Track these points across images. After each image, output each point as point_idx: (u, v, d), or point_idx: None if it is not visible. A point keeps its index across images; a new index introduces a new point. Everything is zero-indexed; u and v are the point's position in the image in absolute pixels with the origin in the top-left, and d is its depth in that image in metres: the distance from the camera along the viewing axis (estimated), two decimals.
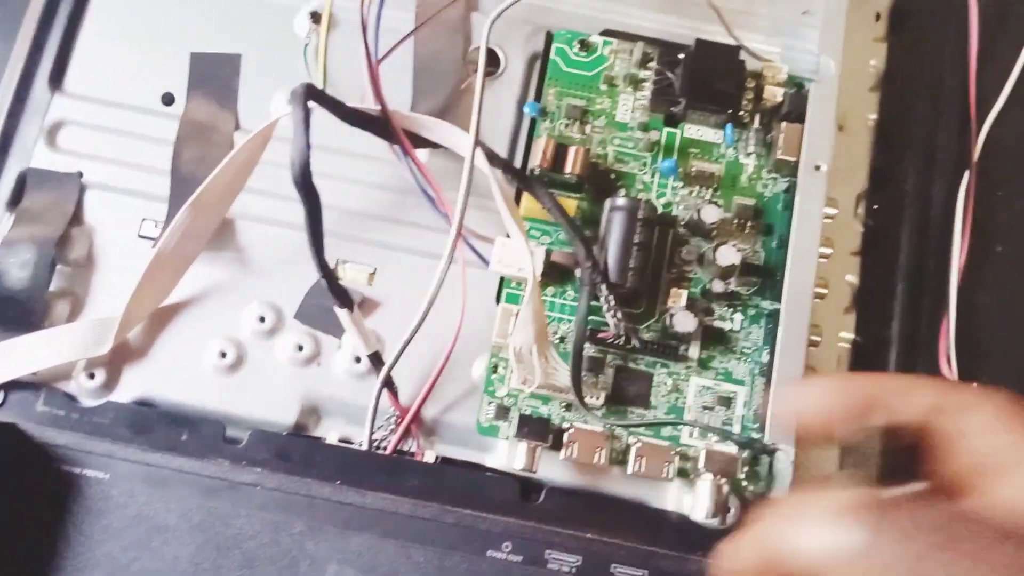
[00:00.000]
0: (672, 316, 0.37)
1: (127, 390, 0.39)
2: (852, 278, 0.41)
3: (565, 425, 0.37)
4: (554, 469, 0.37)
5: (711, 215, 0.38)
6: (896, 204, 0.41)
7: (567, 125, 0.41)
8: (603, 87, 0.41)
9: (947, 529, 0.22)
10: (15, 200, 0.41)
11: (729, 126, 0.40)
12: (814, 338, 0.39)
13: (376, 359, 0.38)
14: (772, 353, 0.37)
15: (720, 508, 0.36)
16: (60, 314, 0.39)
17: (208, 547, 0.36)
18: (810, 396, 0.26)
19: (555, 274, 0.39)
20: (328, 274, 0.34)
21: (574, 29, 0.42)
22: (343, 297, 0.36)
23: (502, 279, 0.39)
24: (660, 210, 0.40)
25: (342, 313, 0.36)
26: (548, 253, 0.38)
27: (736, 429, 0.37)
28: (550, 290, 0.39)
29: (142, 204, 0.41)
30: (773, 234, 0.40)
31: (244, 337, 0.40)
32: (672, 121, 0.41)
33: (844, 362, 0.40)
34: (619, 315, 0.37)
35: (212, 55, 0.43)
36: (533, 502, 0.37)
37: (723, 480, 0.36)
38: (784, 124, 0.40)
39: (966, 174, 0.42)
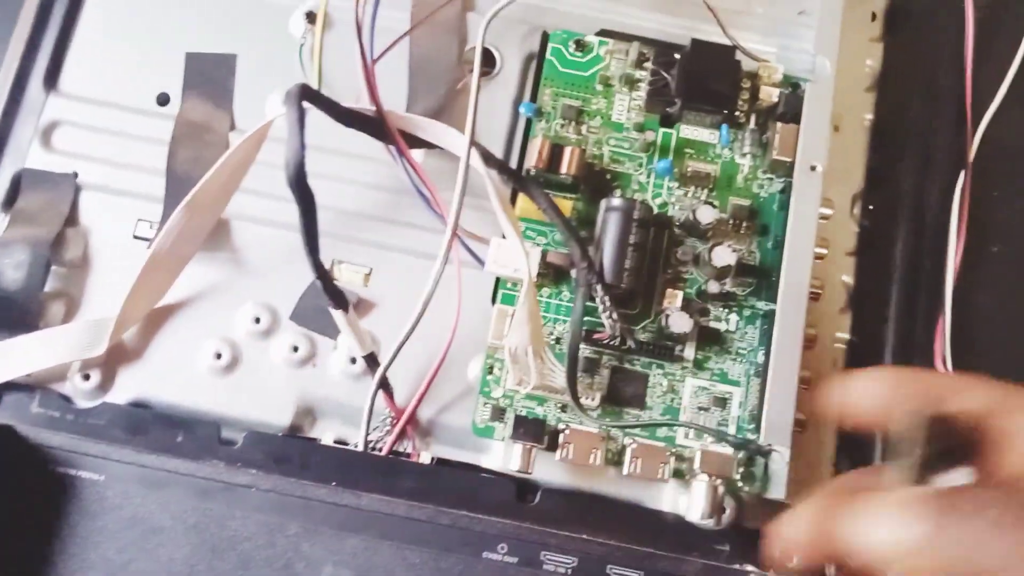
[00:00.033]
0: (668, 317, 0.37)
1: (122, 391, 0.39)
2: (848, 278, 0.41)
3: (561, 426, 0.37)
4: (550, 470, 0.37)
5: (707, 216, 0.38)
6: (892, 204, 0.41)
7: (563, 125, 0.41)
8: (599, 87, 0.41)
9: (1005, 503, 0.22)
10: (10, 201, 0.41)
11: (725, 126, 0.40)
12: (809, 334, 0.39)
13: (371, 360, 0.38)
14: (768, 354, 0.37)
15: (716, 509, 0.36)
16: (55, 315, 0.39)
17: (203, 549, 0.36)
18: (863, 386, 0.27)
19: (551, 275, 0.39)
20: (323, 275, 0.34)
21: (570, 29, 0.42)
22: (338, 298, 0.36)
23: (498, 280, 0.39)
24: (656, 211, 0.40)
25: (337, 314, 0.36)
26: (544, 254, 0.38)
27: (732, 430, 0.37)
28: (546, 291, 0.39)
29: (137, 205, 0.41)
30: (769, 234, 0.40)
31: (239, 338, 0.39)
32: (668, 121, 0.41)
33: (840, 363, 0.40)
34: (615, 316, 0.37)
35: (207, 55, 0.43)
36: (529, 503, 0.37)
37: (719, 481, 0.36)
38: (780, 124, 0.40)
39: (962, 174, 0.42)
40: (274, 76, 0.43)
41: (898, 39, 0.44)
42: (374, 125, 0.39)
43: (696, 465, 0.36)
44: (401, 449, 0.38)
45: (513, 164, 0.41)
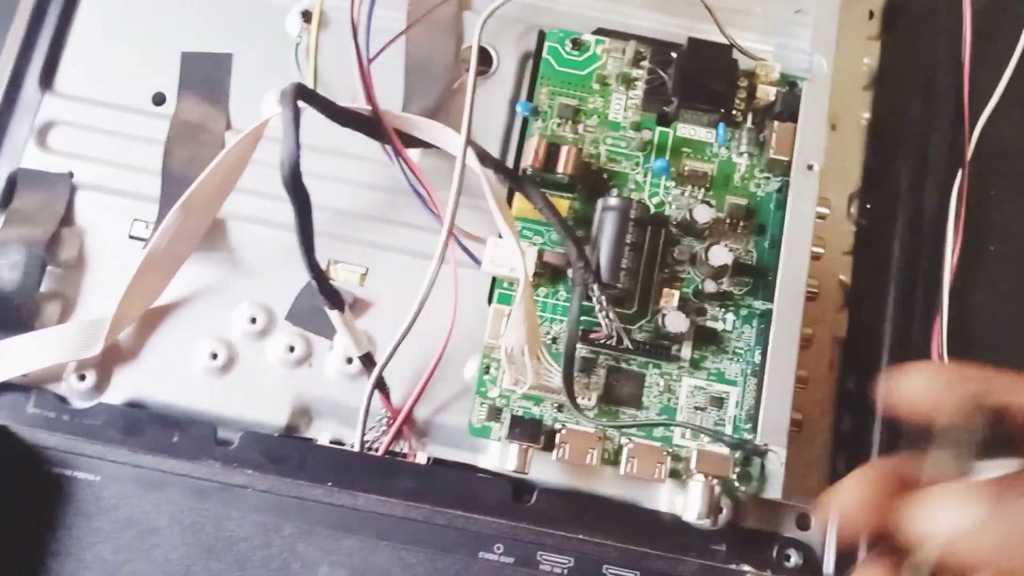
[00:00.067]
0: (664, 316, 0.37)
1: (118, 392, 0.39)
2: (845, 278, 0.41)
3: (557, 426, 0.37)
4: (546, 470, 0.37)
5: (703, 215, 0.38)
6: (889, 203, 0.41)
7: (559, 124, 0.41)
8: (595, 86, 0.41)
9: None
10: (5, 201, 0.41)
11: (721, 125, 0.40)
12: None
13: (368, 360, 0.38)
14: (764, 353, 0.37)
15: (712, 509, 0.36)
16: (51, 315, 0.39)
17: (200, 549, 0.36)
18: (920, 377, 0.27)
19: (547, 274, 0.39)
20: (319, 275, 0.34)
21: (566, 28, 0.42)
22: (334, 298, 0.36)
23: (494, 279, 0.39)
24: (652, 210, 0.39)
25: (333, 314, 0.36)
26: (540, 253, 0.38)
27: (728, 429, 0.37)
28: (542, 290, 0.39)
29: (133, 204, 0.41)
30: (765, 234, 0.39)
31: (235, 338, 0.39)
32: (664, 120, 0.41)
33: (836, 362, 0.40)
34: (611, 315, 0.37)
35: (203, 55, 0.43)
36: (525, 503, 0.37)
37: (715, 481, 0.36)
38: (777, 123, 0.39)
39: (960, 173, 0.41)
40: (270, 75, 0.42)
41: (895, 37, 0.44)
42: (370, 124, 0.39)
43: (692, 465, 0.36)
44: (397, 449, 0.38)
45: (510, 163, 0.41)
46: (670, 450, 0.37)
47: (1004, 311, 0.41)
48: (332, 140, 0.40)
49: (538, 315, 0.38)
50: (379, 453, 0.38)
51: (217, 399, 0.39)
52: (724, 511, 0.37)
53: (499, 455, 0.37)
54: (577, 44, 0.42)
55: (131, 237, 0.41)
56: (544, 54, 0.42)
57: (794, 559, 0.37)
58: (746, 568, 0.36)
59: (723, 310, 0.39)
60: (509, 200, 0.40)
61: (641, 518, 0.37)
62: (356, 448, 0.37)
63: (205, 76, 0.43)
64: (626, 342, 0.37)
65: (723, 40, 0.41)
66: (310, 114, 0.36)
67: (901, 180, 0.41)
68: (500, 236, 0.38)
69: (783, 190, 0.39)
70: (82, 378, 0.38)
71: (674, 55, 0.40)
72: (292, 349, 0.39)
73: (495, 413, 0.38)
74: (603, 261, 0.37)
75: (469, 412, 0.38)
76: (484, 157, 0.38)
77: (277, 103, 0.34)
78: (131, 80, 0.43)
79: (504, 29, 0.43)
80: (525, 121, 0.41)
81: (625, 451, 0.37)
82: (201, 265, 0.40)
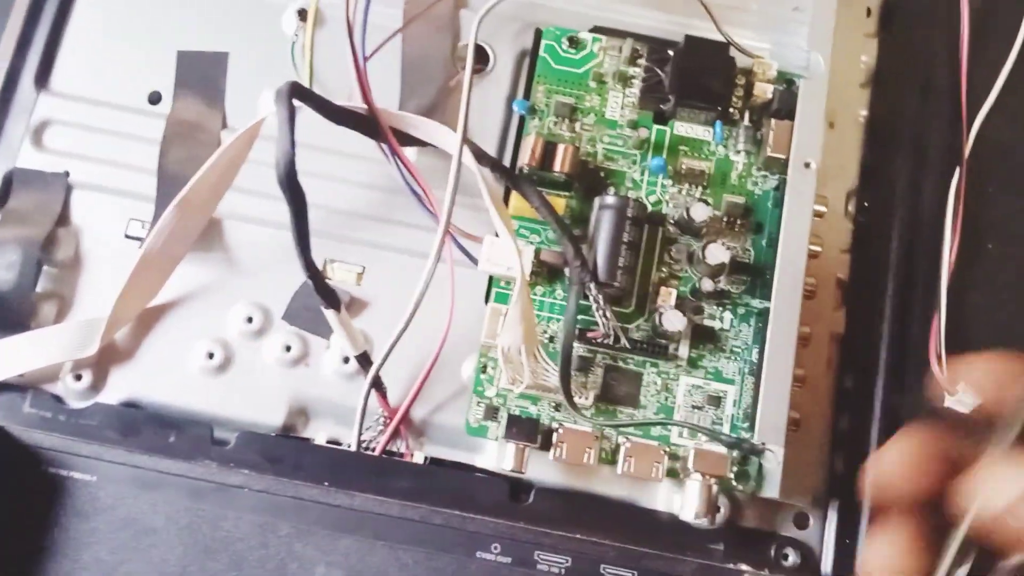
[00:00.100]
0: (661, 315, 0.37)
1: (114, 392, 0.39)
2: (842, 276, 0.41)
3: (554, 425, 0.37)
4: (543, 469, 0.37)
5: (700, 213, 0.38)
6: (887, 201, 0.41)
7: (556, 123, 0.41)
8: (592, 84, 0.41)
9: None
10: (1, 201, 0.40)
11: (719, 123, 0.40)
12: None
13: (364, 359, 0.38)
14: (762, 352, 0.37)
15: (710, 508, 0.36)
16: (47, 315, 0.39)
17: (196, 549, 0.36)
18: (984, 368, 0.27)
19: (544, 273, 0.39)
20: (315, 274, 0.34)
21: (563, 26, 0.42)
22: (330, 297, 0.35)
23: (491, 278, 0.39)
24: (649, 208, 0.39)
25: (329, 313, 0.36)
26: (537, 252, 0.38)
27: (726, 428, 0.37)
28: (539, 289, 0.39)
29: (129, 204, 0.41)
30: (763, 232, 0.39)
31: (231, 338, 0.39)
32: (661, 118, 0.41)
33: (834, 360, 0.40)
34: (608, 314, 0.37)
35: (199, 53, 0.43)
36: (522, 503, 0.37)
37: (713, 480, 0.36)
38: (774, 121, 0.39)
39: (957, 171, 0.41)
40: (266, 74, 0.42)
41: (893, 35, 0.44)
42: (366, 123, 0.38)
43: (690, 464, 0.36)
44: (394, 449, 0.38)
45: (506, 162, 0.41)
46: (667, 449, 0.37)
47: (1002, 309, 0.41)
48: (328, 139, 0.40)
49: (535, 314, 0.38)
50: (376, 453, 0.38)
51: (213, 399, 0.39)
52: (722, 510, 0.37)
53: (496, 454, 0.37)
54: (574, 42, 0.42)
55: (127, 237, 0.41)
56: (541, 52, 0.42)
57: (792, 558, 0.37)
58: (744, 567, 0.36)
59: (720, 309, 0.39)
60: (506, 199, 0.40)
61: (639, 517, 0.37)
62: (353, 448, 0.37)
63: (201, 75, 0.43)
64: (623, 341, 0.37)
65: (720, 38, 0.41)
66: (306, 113, 0.36)
67: (899, 178, 0.41)
68: (497, 235, 0.38)
69: (780, 188, 0.39)
70: (78, 378, 0.38)
71: (671, 53, 0.40)
72: (289, 349, 0.39)
73: (492, 412, 0.38)
74: (600, 260, 0.37)
75: (466, 411, 0.38)
76: (481, 155, 0.38)
77: (273, 102, 0.34)
78: (127, 79, 0.42)
79: (500, 27, 0.43)
80: (522, 119, 0.41)
81: (622, 450, 0.37)
82: (197, 265, 0.40)
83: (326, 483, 0.36)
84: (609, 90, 0.41)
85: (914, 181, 0.41)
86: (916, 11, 0.44)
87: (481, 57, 0.43)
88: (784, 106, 0.40)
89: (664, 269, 0.39)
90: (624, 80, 0.41)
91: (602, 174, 0.40)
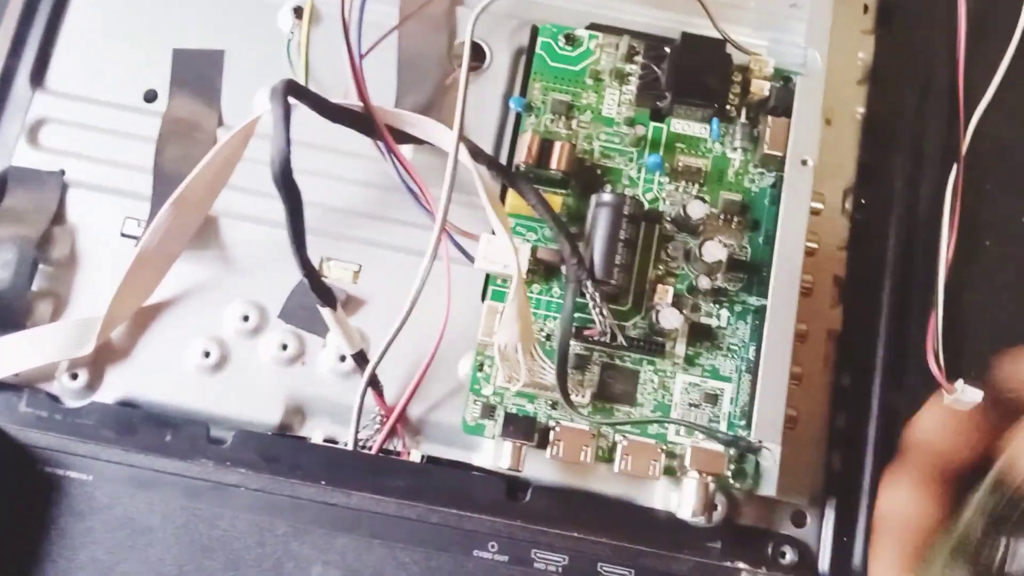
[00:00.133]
0: (658, 313, 0.37)
1: (110, 391, 0.38)
2: (839, 273, 0.41)
3: (551, 423, 0.37)
4: (540, 468, 0.37)
5: (697, 210, 0.38)
6: (884, 199, 0.41)
7: (553, 120, 0.41)
8: (589, 82, 0.41)
9: None
10: None
11: (715, 120, 0.40)
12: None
13: (361, 358, 0.37)
14: (758, 350, 0.37)
15: (707, 506, 0.36)
16: (42, 314, 0.39)
17: (193, 548, 0.36)
18: None
19: (541, 271, 0.39)
20: (310, 273, 0.34)
21: (559, 23, 0.42)
22: (326, 296, 0.35)
23: (487, 276, 0.39)
24: (646, 206, 0.39)
25: (326, 312, 0.36)
26: (533, 250, 0.38)
27: (723, 426, 0.37)
28: (536, 287, 0.39)
29: (125, 202, 0.41)
30: (760, 229, 0.39)
31: (228, 336, 0.39)
32: (658, 116, 0.41)
33: (831, 358, 0.40)
34: (605, 312, 0.37)
35: (195, 51, 0.43)
36: (519, 501, 0.37)
37: (710, 478, 0.36)
38: (771, 118, 0.39)
39: (954, 168, 0.41)
40: (262, 72, 0.42)
41: (890, 32, 0.44)
42: (362, 121, 0.38)
43: (687, 462, 0.36)
44: (391, 447, 0.38)
45: (503, 159, 0.41)
46: (664, 447, 0.37)
47: (1000, 307, 0.41)
48: (324, 136, 0.40)
49: (531, 312, 0.38)
50: (373, 451, 0.37)
51: (210, 398, 0.38)
52: (719, 508, 0.37)
53: (493, 453, 0.37)
54: (570, 39, 0.41)
55: (123, 235, 0.40)
56: (537, 49, 0.41)
57: (789, 556, 0.37)
58: (741, 565, 0.36)
59: (717, 306, 0.39)
60: (503, 196, 0.40)
61: (636, 515, 0.37)
62: (349, 446, 0.37)
63: (197, 73, 0.43)
64: (620, 339, 0.37)
65: (717, 35, 0.41)
66: (302, 110, 0.36)
67: (896, 175, 0.41)
68: (493, 233, 0.38)
69: (777, 185, 0.39)
70: (74, 377, 0.38)
71: (668, 50, 0.40)
72: (285, 347, 0.39)
73: (489, 411, 0.37)
74: (597, 257, 0.37)
75: (463, 410, 0.38)
76: (477, 153, 0.38)
77: (268, 99, 0.34)
78: (122, 77, 0.42)
79: (497, 24, 0.43)
80: (518, 117, 0.41)
81: (619, 448, 0.37)
82: (193, 263, 0.40)
83: (323, 482, 0.36)
84: (606, 87, 0.41)
85: (911, 178, 0.41)
86: (913, 8, 0.44)
87: (477, 54, 0.43)
88: (781, 103, 0.40)
89: (661, 267, 0.39)
90: (621, 77, 0.41)
91: (599, 171, 0.40)
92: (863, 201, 0.42)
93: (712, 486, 0.36)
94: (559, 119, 0.41)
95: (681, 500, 0.36)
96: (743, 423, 0.37)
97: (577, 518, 0.36)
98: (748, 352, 0.38)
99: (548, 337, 0.38)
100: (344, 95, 0.39)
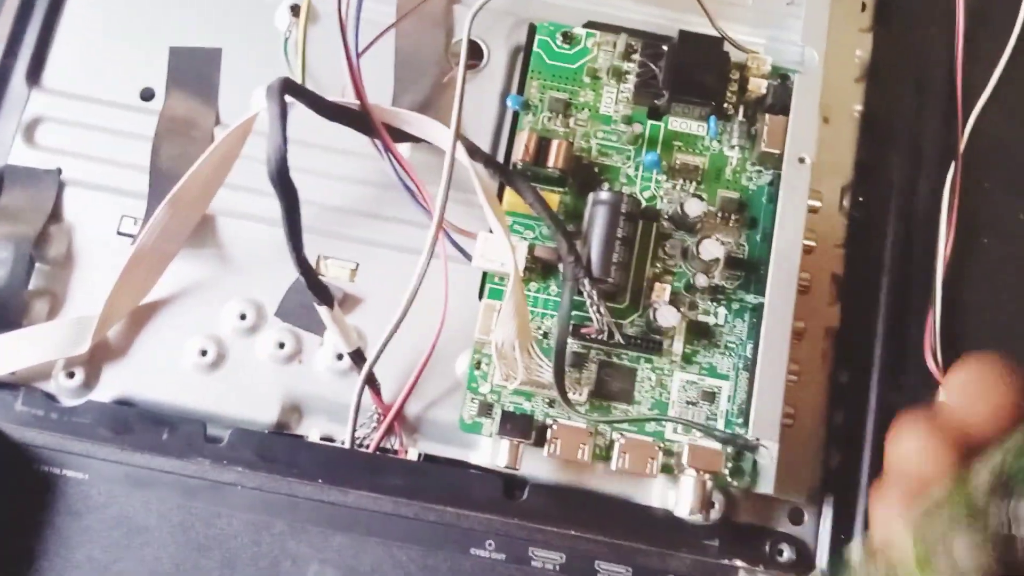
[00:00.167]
0: (655, 311, 0.37)
1: (107, 389, 0.38)
2: (837, 271, 0.40)
3: (548, 421, 0.37)
4: (537, 466, 0.37)
5: (695, 208, 0.38)
6: (882, 196, 0.41)
7: (550, 118, 0.40)
8: (586, 80, 0.41)
9: None
10: None
11: (713, 118, 0.40)
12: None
13: (358, 356, 0.37)
14: (756, 347, 0.37)
15: (704, 504, 0.36)
16: (39, 313, 0.39)
17: (189, 547, 0.36)
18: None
19: (538, 269, 0.39)
20: (307, 271, 0.34)
21: (557, 21, 0.42)
22: (323, 294, 0.35)
23: (485, 274, 0.39)
24: (644, 204, 0.39)
25: (322, 310, 0.36)
26: (531, 248, 0.38)
27: (720, 424, 0.37)
28: (533, 285, 0.39)
29: (121, 201, 0.41)
30: (757, 227, 0.39)
31: (224, 335, 0.39)
32: (656, 114, 0.41)
33: (829, 356, 0.39)
34: (602, 310, 0.37)
35: (192, 50, 0.43)
36: (516, 499, 0.36)
37: (707, 476, 0.36)
38: (768, 116, 0.39)
39: (952, 166, 0.41)
40: (260, 70, 0.42)
41: (888, 30, 0.44)
42: (359, 119, 0.38)
43: (684, 460, 0.36)
44: (388, 446, 0.38)
45: (500, 158, 0.41)
46: (662, 445, 0.37)
47: (997, 304, 0.41)
48: (321, 135, 0.40)
49: (529, 310, 0.38)
50: (370, 450, 0.37)
51: (207, 396, 0.38)
52: (716, 506, 0.37)
53: (490, 451, 0.37)
54: (568, 37, 0.41)
55: (119, 233, 0.40)
56: (535, 47, 0.41)
57: (787, 554, 0.37)
58: (739, 563, 0.36)
59: (715, 304, 0.38)
60: (500, 195, 0.40)
61: (633, 513, 0.37)
62: (347, 445, 0.37)
63: (194, 71, 0.43)
64: (617, 337, 0.37)
65: (714, 33, 0.41)
66: (299, 108, 0.36)
67: (894, 173, 0.41)
68: (490, 231, 0.38)
69: (775, 183, 0.39)
70: (70, 375, 0.38)
71: (665, 48, 0.40)
72: (282, 345, 0.39)
73: (486, 409, 0.37)
74: (594, 256, 0.37)
75: (460, 408, 0.38)
76: (474, 151, 0.38)
77: (265, 98, 0.33)
78: (119, 75, 0.42)
79: (494, 23, 0.43)
80: (516, 115, 0.41)
81: (617, 446, 0.36)
82: (190, 261, 0.40)
83: (320, 480, 0.36)
84: (603, 85, 0.41)
85: (909, 176, 0.41)
86: (911, 6, 0.44)
87: (475, 53, 0.43)
88: (778, 101, 0.39)
89: (658, 265, 0.39)
90: (618, 75, 0.41)
91: (596, 170, 0.40)
92: (861, 199, 0.41)
93: (709, 484, 0.36)
94: (556, 117, 0.40)
95: (678, 498, 0.36)
96: (740, 421, 0.37)
97: (574, 516, 0.36)
98: (746, 350, 0.38)
99: (545, 335, 0.38)
100: (341, 93, 0.39)
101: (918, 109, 0.42)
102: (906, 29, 0.44)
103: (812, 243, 0.40)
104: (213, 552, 0.36)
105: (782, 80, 0.40)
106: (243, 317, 0.39)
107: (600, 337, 0.37)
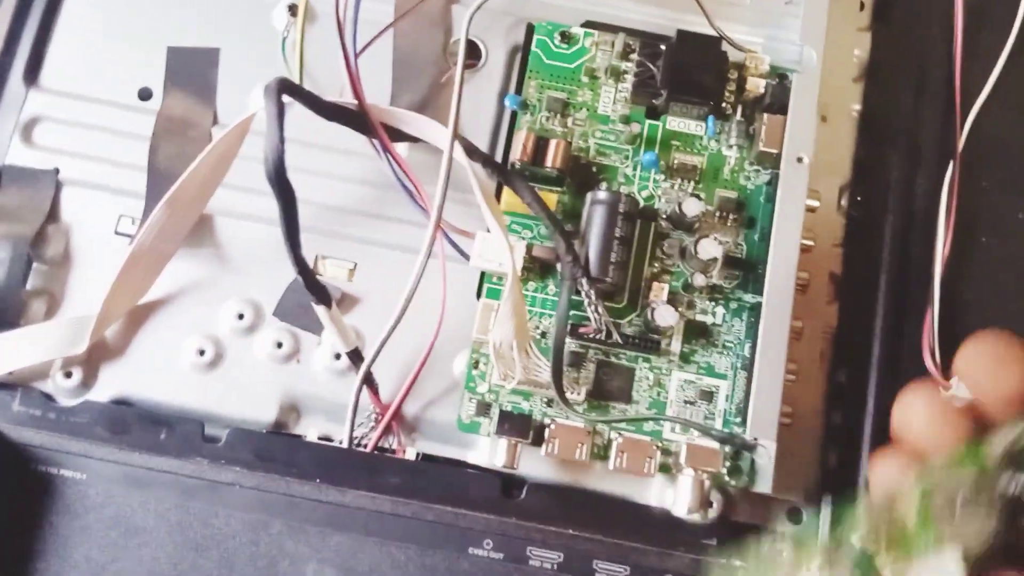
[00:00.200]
0: (653, 310, 0.37)
1: (104, 389, 0.38)
2: (835, 270, 0.40)
3: (546, 421, 0.37)
4: (535, 465, 0.37)
5: (693, 208, 0.38)
6: (880, 196, 0.41)
7: (548, 118, 0.40)
8: (584, 79, 0.41)
9: None
10: None
11: (711, 118, 0.40)
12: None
13: (356, 356, 0.37)
14: (754, 347, 0.37)
15: (702, 503, 0.36)
16: (36, 312, 0.39)
17: (187, 547, 0.36)
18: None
19: (536, 269, 0.39)
20: (304, 271, 0.34)
21: (555, 20, 0.42)
22: (321, 294, 0.35)
23: (482, 274, 0.39)
24: (642, 203, 0.39)
25: (320, 310, 0.36)
26: (529, 247, 0.38)
27: (719, 423, 0.37)
28: (531, 285, 0.39)
29: (119, 201, 0.41)
30: (755, 227, 0.39)
31: (222, 334, 0.39)
32: (654, 113, 0.41)
33: (827, 355, 0.39)
34: (600, 310, 0.37)
35: (190, 49, 0.43)
36: (514, 499, 0.36)
37: (705, 475, 0.36)
38: (766, 116, 0.39)
39: (951, 165, 0.41)
40: (258, 70, 0.42)
41: (887, 29, 0.44)
42: (357, 119, 0.38)
43: (682, 459, 0.36)
44: (386, 445, 0.38)
45: (498, 157, 0.41)
46: (660, 445, 0.37)
47: (995, 303, 0.41)
48: (319, 134, 0.40)
49: (527, 310, 0.38)
50: (368, 449, 0.37)
51: (204, 396, 0.38)
52: (714, 505, 0.37)
53: (488, 450, 0.37)
54: (566, 37, 0.41)
55: (117, 233, 0.40)
56: (533, 47, 0.41)
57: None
58: (738, 563, 0.36)
59: (713, 304, 0.38)
60: (498, 194, 0.40)
61: (631, 513, 0.37)
62: (344, 444, 0.37)
63: (192, 71, 0.43)
64: (615, 336, 0.37)
65: (712, 32, 0.41)
66: (298, 108, 0.36)
67: (892, 172, 0.41)
68: (488, 231, 0.38)
69: (773, 183, 0.39)
70: (68, 375, 0.38)
71: (663, 48, 0.40)
72: (280, 345, 0.39)
73: (484, 408, 0.37)
74: (592, 255, 0.37)
75: (458, 407, 0.38)
76: (472, 151, 0.38)
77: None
78: (117, 75, 0.42)
79: (492, 22, 0.43)
80: (514, 115, 0.41)
81: (615, 446, 0.36)
82: (188, 261, 0.40)
83: (318, 480, 0.36)
84: (601, 85, 0.41)
85: (907, 175, 0.41)
86: (910, 5, 0.44)
87: (473, 52, 0.43)
88: (777, 100, 0.39)
89: (656, 264, 0.39)
90: (616, 75, 0.41)
91: (594, 169, 0.40)
92: (859, 198, 0.41)
93: (708, 483, 0.36)
94: (555, 117, 0.40)
95: (676, 497, 0.36)
96: (739, 420, 0.37)
97: (572, 515, 0.36)
98: (744, 349, 0.38)
99: (543, 335, 0.38)
100: (339, 93, 0.39)
101: (917, 108, 0.42)
102: (905, 28, 0.44)
103: (810, 242, 0.39)
104: (211, 552, 0.36)
105: (780, 79, 0.40)
106: (241, 317, 0.39)
107: (598, 337, 0.37)
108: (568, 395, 0.37)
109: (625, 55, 0.41)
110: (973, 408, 0.25)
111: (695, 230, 0.39)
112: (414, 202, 0.39)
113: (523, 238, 0.39)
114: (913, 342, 0.39)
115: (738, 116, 0.40)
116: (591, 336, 0.37)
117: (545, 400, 0.37)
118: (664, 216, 0.39)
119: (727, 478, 0.36)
